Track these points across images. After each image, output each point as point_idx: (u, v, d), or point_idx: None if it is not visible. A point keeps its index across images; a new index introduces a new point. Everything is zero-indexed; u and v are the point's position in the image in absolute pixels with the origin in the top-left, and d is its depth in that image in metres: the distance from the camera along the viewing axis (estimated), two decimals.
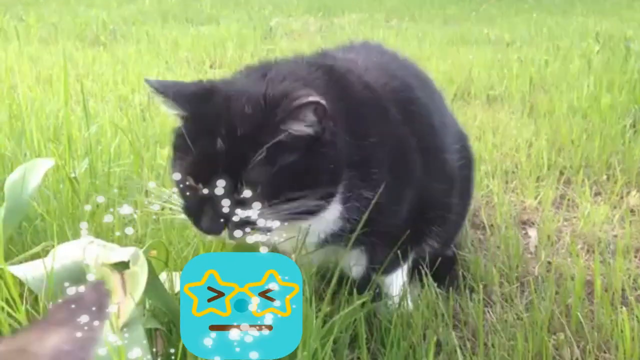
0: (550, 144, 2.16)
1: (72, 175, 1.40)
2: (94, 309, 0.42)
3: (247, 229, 0.95)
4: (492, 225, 1.62)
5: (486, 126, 2.34)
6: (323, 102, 0.93)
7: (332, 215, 1.04)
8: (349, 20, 5.78)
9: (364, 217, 1.02)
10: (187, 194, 0.99)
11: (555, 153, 2.07)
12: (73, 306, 0.42)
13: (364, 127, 1.04)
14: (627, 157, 1.99)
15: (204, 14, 5.80)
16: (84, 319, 0.41)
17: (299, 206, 0.98)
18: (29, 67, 3.15)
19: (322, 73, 1.06)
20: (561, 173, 1.97)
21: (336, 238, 1.07)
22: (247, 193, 0.94)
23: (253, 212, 0.96)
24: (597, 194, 1.87)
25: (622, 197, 1.82)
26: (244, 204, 0.95)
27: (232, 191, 0.94)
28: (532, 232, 1.61)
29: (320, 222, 1.03)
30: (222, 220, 0.94)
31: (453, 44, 4.20)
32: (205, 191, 0.95)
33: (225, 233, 0.95)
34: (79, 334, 0.40)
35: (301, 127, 0.94)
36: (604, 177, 1.91)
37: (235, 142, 0.93)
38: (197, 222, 0.96)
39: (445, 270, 1.30)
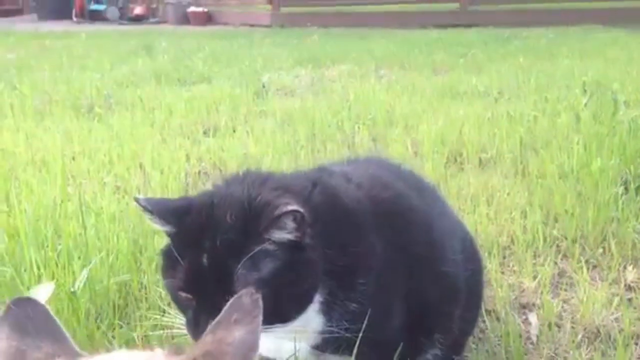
0: (545, 213, 2.18)
1: (71, 290, 1.41)
2: (251, 309, 0.61)
3: None
4: (491, 311, 1.62)
5: (480, 196, 2.37)
6: (301, 210, 0.97)
7: (315, 325, 1.05)
8: (339, 71, 5.86)
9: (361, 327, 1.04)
10: (183, 306, 1.02)
11: (550, 225, 2.08)
12: (239, 309, 0.60)
13: (344, 237, 1.06)
14: (622, 227, 2.01)
15: (196, 72, 5.87)
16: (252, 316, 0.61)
17: (282, 312, 1.00)
18: (24, 147, 3.18)
19: (304, 181, 1.09)
20: (557, 245, 1.99)
21: (324, 348, 1.09)
22: None
23: None
24: (594, 267, 1.89)
25: (619, 271, 1.84)
26: None
27: (223, 303, 0.96)
28: (533, 318, 1.62)
29: (303, 332, 1.05)
30: None
31: (443, 96, 4.25)
32: (198, 304, 0.97)
33: None
34: (250, 327, 0.58)
35: (282, 235, 0.99)
36: (600, 250, 1.93)
37: (218, 255, 0.98)
38: (194, 334, 0.99)
39: None
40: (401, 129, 3.33)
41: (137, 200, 1.08)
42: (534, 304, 1.68)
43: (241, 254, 0.96)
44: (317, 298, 1.02)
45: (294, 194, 1.04)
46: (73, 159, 3.10)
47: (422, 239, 1.17)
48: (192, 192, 2.57)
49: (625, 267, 1.84)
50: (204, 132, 3.72)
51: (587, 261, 1.87)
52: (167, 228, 1.05)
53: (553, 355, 1.42)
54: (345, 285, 1.04)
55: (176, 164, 2.93)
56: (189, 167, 2.95)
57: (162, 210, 1.05)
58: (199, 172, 2.90)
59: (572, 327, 1.54)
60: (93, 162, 2.99)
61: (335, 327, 1.05)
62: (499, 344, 1.48)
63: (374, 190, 1.16)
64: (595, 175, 2.37)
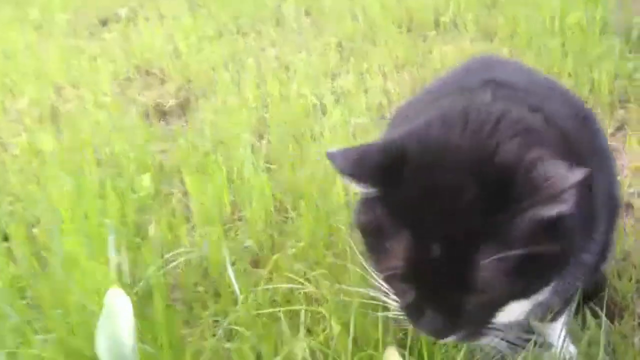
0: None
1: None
2: None
3: (480, 331, 0.82)
4: None
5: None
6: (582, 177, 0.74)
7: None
8: None
9: None
10: (397, 290, 0.83)
11: None
12: None
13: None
14: (633, 83, 1.91)
15: None
16: None
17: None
18: None
19: (544, 123, 0.85)
20: None
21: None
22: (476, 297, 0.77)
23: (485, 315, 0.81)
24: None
25: None
26: (473, 304, 0.78)
27: (458, 300, 0.78)
28: None
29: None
30: (450, 324, 0.80)
31: None
32: (422, 296, 0.79)
33: (454, 337, 0.82)
34: None
35: (553, 211, 0.75)
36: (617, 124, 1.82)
37: (453, 243, 0.74)
38: (419, 323, 0.82)
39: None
40: None
41: (330, 155, 0.81)
42: None
43: (488, 239, 0.73)
44: None
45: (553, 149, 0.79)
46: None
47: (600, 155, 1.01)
48: (130, 105, 2.16)
49: None
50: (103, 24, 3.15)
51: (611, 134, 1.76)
52: (372, 190, 0.81)
53: None
54: (583, 240, 0.86)
55: (93, 71, 2.44)
56: (111, 71, 2.45)
57: (362, 170, 0.81)
58: (128, 79, 2.42)
59: None
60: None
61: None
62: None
63: (559, 120, 0.92)
64: (576, 30, 2.24)
